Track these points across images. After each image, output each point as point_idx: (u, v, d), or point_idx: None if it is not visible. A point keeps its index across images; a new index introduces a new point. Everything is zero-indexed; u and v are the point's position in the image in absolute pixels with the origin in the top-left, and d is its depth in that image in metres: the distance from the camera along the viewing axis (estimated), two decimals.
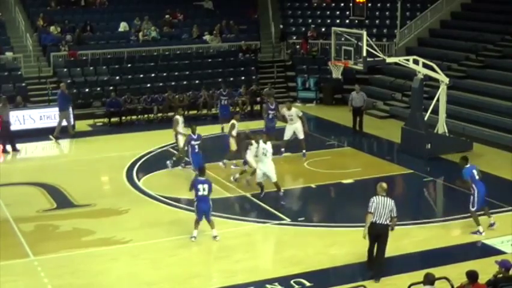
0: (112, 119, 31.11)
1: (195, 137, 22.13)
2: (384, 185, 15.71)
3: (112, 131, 30.01)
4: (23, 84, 32.37)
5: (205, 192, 17.65)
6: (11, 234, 18.61)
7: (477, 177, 18.31)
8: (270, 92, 32.22)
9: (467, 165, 18.42)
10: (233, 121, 23.91)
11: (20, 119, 28.94)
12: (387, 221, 15.63)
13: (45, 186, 22.48)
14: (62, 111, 28.80)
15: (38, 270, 16.41)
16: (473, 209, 18.33)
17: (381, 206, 15.54)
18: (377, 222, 15.54)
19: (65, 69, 34.03)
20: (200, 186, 17.63)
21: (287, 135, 25.45)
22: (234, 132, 23.59)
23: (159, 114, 31.82)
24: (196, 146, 22.17)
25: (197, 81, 34.45)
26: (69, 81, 32.87)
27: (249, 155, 21.83)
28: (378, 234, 15.67)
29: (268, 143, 20.88)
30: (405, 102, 31.28)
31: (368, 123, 30.01)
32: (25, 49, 34.79)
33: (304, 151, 25.21)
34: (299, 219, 19.52)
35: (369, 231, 15.70)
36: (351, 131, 29.28)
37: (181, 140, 23.78)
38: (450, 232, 19.05)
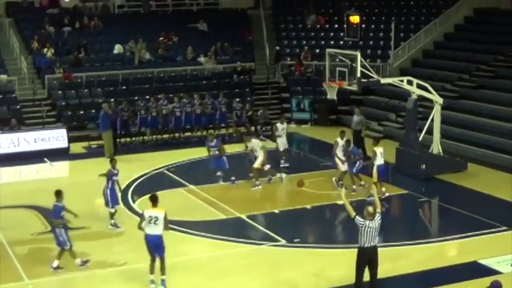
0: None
1: (115, 171, 21.03)
2: (371, 209, 15.23)
3: None
4: (18, 107, 32.37)
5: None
6: (5, 257, 18.46)
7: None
8: (264, 113, 32.54)
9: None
10: (336, 139, 24.18)
11: (15, 141, 28.88)
12: (376, 242, 15.27)
13: (39, 209, 22.29)
14: (104, 132, 29.01)
15: None
16: None
17: (370, 230, 15.03)
18: (367, 246, 15.11)
19: (60, 92, 34.10)
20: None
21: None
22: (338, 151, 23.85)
23: (153, 136, 31.83)
24: (116, 182, 21.02)
25: None
26: (63, 103, 32.91)
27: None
28: (370, 259, 15.26)
29: None
30: (400, 123, 31.30)
31: None
32: (19, 71, 34.83)
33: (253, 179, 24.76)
34: (295, 240, 19.41)
35: (360, 258, 15.27)
36: None
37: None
38: (446, 252, 19.05)
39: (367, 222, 14.97)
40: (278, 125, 27.33)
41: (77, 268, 17.49)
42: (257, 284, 17.08)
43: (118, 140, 30.62)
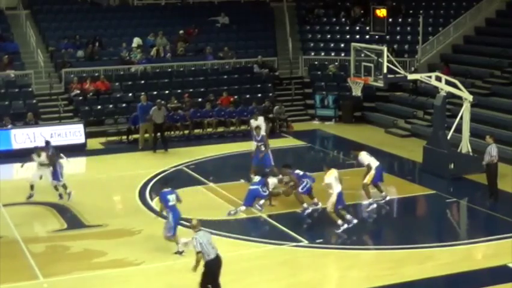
0: (135, 136, 30.24)
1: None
2: (194, 221, 15.10)
3: (125, 149, 29.49)
4: (34, 101, 31.98)
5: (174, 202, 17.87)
6: (20, 255, 18.31)
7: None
8: (280, 110, 32.02)
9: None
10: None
11: (31, 136, 28.49)
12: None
13: (55, 206, 22.09)
14: (143, 123, 29.01)
15: None
16: None
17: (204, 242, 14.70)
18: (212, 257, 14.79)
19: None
20: (170, 197, 17.85)
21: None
22: None
23: (177, 132, 31.43)
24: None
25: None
26: (81, 98, 32.43)
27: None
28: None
29: None
30: (428, 121, 30.63)
31: (388, 141, 29.70)
32: (36, 65, 34.44)
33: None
34: (317, 240, 19.03)
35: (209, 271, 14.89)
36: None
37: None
38: (474, 255, 18.72)
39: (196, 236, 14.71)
40: (252, 121, 26.22)
41: None
42: (278, 285, 16.76)
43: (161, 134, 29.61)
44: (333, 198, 19.73)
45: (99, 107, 32.53)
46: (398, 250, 18.50)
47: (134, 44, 36.53)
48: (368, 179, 21.52)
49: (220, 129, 32.02)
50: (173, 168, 26.26)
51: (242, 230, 19.94)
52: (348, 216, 20.04)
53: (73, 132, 29.31)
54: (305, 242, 18.89)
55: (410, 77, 26.65)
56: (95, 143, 30.11)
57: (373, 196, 21.74)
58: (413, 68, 34.55)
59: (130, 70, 35.06)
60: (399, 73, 25.20)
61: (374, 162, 21.72)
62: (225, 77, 35.97)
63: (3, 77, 32.75)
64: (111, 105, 32.54)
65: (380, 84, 25.22)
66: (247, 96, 34.42)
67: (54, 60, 35.13)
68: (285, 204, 21.33)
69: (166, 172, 25.72)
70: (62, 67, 34.01)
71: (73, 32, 36.68)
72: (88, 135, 29.76)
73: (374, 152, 28.19)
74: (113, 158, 28.29)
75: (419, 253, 18.17)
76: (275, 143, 28.19)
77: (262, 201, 21.25)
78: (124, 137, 30.48)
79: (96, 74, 34.02)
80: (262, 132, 24.39)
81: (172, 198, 17.81)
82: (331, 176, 19.98)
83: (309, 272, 17.14)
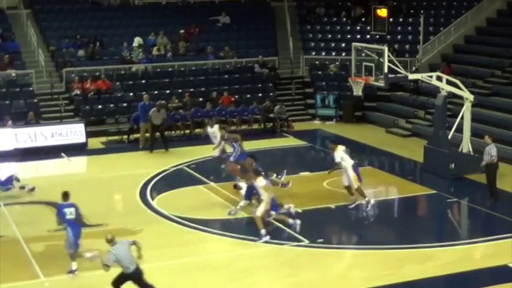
0: (136, 135, 30.20)
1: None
2: (108, 236, 15.11)
3: (126, 149, 29.44)
4: (35, 101, 31.93)
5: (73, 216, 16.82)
6: (21, 254, 18.26)
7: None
8: (281, 109, 31.96)
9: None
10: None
11: (32, 136, 28.49)
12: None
13: (55, 205, 21.73)
14: (143, 123, 29.03)
15: None
16: None
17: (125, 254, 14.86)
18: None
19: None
20: (67, 210, 16.79)
21: None
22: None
23: (178, 132, 31.46)
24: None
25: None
26: (81, 97, 32.46)
27: None
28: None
29: None
30: (429, 120, 30.58)
31: (389, 141, 29.63)
32: (37, 64, 34.41)
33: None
34: (318, 240, 18.91)
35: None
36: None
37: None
38: (475, 255, 18.63)
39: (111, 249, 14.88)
40: (208, 129, 26.03)
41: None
42: (279, 285, 16.72)
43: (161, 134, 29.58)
44: (352, 173, 20.70)
45: (100, 106, 32.47)
46: (398, 250, 18.44)
47: (135, 44, 36.49)
48: (355, 182, 21.18)
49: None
50: (174, 168, 26.23)
51: (242, 230, 19.82)
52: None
53: (73, 132, 29.20)
54: (306, 242, 18.76)
55: (411, 76, 26.60)
56: (96, 143, 30.03)
57: (369, 196, 21.71)
58: (414, 68, 34.52)
59: (131, 69, 35.03)
60: (400, 73, 25.09)
61: (349, 161, 21.30)
62: (226, 76, 35.93)
63: (4, 76, 32.73)
64: (112, 105, 32.52)
65: (381, 84, 25.09)
66: (248, 95, 34.41)
67: (55, 60, 35.12)
68: (284, 204, 21.18)
69: (167, 172, 25.74)
70: (63, 66, 33.99)
71: (74, 31, 36.63)
72: (89, 134, 29.68)
73: (374, 151, 28.57)
74: (113, 157, 28.23)
75: (420, 253, 18.10)
76: (276, 143, 28.26)
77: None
78: (125, 137, 30.44)
79: (97, 74, 33.95)
80: (217, 140, 24.39)
81: (69, 211, 16.74)
82: (340, 151, 20.66)
83: (310, 272, 17.03)
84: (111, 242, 14.85)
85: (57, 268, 17.21)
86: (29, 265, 17.53)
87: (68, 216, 16.67)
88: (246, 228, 20.04)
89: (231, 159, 22.78)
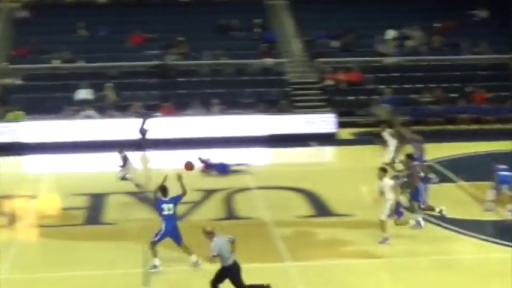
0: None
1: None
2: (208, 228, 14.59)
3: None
4: (288, 89, 32.79)
5: (171, 212, 16.56)
6: (269, 237, 18.67)
7: None
8: None
9: None
10: None
11: (283, 123, 29.49)
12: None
13: (305, 192, 22.41)
14: None
15: (293, 277, 16.18)
16: None
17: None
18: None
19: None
20: (165, 206, 16.53)
21: None
22: None
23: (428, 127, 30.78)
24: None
25: None
26: (333, 88, 32.77)
27: None
28: None
29: None
30: None
31: None
32: (292, 54, 35.32)
33: None
34: None
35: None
36: None
37: None
38: None
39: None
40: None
41: None
42: None
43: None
44: None
45: (351, 97, 32.74)
46: None
47: (388, 36, 36.31)
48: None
49: (475, 126, 31.07)
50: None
51: (493, 232, 19.01)
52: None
53: (324, 121, 29.76)
54: None
55: None
56: (345, 133, 30.31)
57: None
58: None
59: (382, 62, 34.84)
60: None
61: None
62: (481, 73, 34.83)
63: (260, 64, 33.81)
64: (363, 97, 32.63)
65: None
66: (505, 94, 33.02)
67: (308, 50, 35.74)
68: None
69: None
70: (317, 57, 34.50)
71: (329, 22, 37.08)
72: (339, 124, 29.99)
73: None
74: (362, 149, 28.11)
75: None
76: None
77: None
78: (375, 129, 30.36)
79: (349, 65, 34.22)
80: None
81: (167, 207, 16.59)
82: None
83: None
84: (210, 234, 14.58)
85: (304, 254, 17.40)
86: (275, 249, 17.82)
87: (165, 212, 16.62)
88: (498, 231, 19.18)
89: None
